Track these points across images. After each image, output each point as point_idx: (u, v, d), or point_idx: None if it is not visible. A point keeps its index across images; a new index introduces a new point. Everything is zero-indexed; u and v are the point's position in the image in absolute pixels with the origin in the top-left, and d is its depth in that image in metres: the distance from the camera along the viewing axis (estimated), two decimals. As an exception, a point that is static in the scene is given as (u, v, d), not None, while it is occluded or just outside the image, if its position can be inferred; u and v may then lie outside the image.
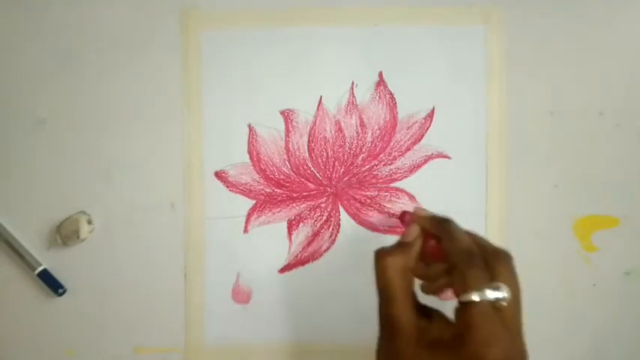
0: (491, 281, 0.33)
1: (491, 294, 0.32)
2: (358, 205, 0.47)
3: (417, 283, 0.38)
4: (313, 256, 0.47)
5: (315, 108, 0.47)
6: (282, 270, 0.47)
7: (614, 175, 0.47)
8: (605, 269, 0.47)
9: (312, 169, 0.47)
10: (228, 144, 0.47)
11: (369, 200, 0.47)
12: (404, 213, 0.40)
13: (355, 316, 0.47)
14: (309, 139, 0.47)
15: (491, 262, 0.34)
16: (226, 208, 0.47)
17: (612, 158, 0.47)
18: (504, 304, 0.32)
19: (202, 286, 0.47)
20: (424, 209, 0.40)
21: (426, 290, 0.39)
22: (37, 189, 0.47)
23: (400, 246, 0.37)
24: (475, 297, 0.32)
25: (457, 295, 0.33)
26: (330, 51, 0.47)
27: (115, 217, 0.47)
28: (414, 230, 0.38)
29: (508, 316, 0.33)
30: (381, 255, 0.36)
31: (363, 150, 0.47)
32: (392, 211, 0.47)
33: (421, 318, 0.34)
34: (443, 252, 0.36)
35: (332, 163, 0.47)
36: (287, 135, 0.47)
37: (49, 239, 0.47)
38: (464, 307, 0.32)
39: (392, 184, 0.47)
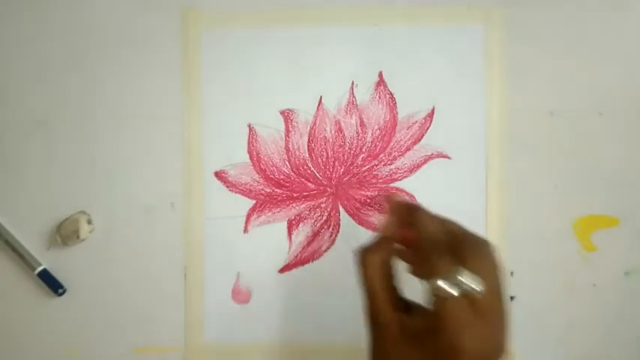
0: (456, 269, 0.32)
1: (454, 282, 0.31)
2: (358, 205, 0.47)
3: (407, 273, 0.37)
4: (313, 256, 0.47)
5: (315, 108, 0.47)
6: (282, 270, 0.47)
7: (614, 175, 0.47)
8: (605, 269, 0.47)
9: (312, 169, 0.47)
10: (228, 144, 0.47)
11: (369, 200, 0.47)
12: (385, 198, 0.39)
13: (355, 316, 0.47)
14: (309, 139, 0.47)
15: (463, 250, 0.33)
16: (226, 208, 0.47)
17: (612, 158, 0.47)
18: (476, 293, 0.31)
19: (202, 286, 0.47)
20: (398, 195, 0.39)
21: (414, 274, 0.37)
22: (37, 189, 0.47)
23: (378, 241, 0.37)
24: (444, 285, 0.31)
25: (423, 278, 0.33)
26: (330, 51, 0.47)
27: (114, 217, 0.47)
28: (389, 223, 0.38)
29: (484, 305, 0.32)
30: (360, 253, 0.36)
31: (363, 150, 0.47)
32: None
33: (402, 313, 0.34)
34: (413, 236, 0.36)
35: (332, 163, 0.47)
36: (287, 135, 0.47)
37: (49, 239, 0.47)
38: (435, 299, 0.32)
39: (392, 184, 0.47)
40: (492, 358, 0.32)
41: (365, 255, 0.36)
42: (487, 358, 0.32)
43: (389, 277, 0.36)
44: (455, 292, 0.31)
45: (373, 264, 0.35)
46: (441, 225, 0.36)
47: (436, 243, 0.34)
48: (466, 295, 0.31)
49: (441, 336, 0.31)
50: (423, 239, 0.35)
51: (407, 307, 0.35)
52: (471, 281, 0.32)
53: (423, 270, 0.33)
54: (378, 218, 0.44)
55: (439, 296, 0.32)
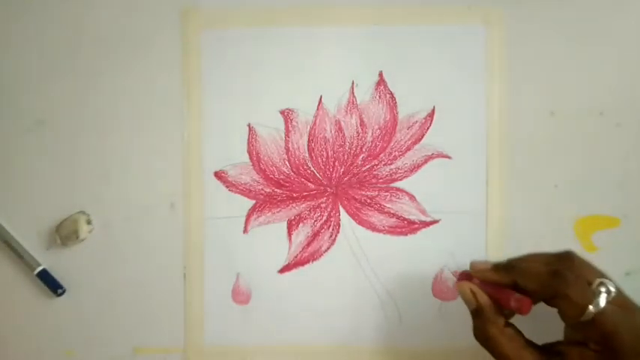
0: (591, 285, 0.33)
1: (601, 296, 0.33)
2: (358, 205, 0.47)
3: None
4: (313, 256, 0.47)
5: (315, 108, 0.47)
6: (282, 270, 0.47)
7: (614, 175, 0.47)
8: (605, 269, 0.47)
9: (312, 169, 0.47)
10: (228, 144, 0.47)
11: (369, 200, 0.47)
12: (462, 274, 0.39)
13: (355, 317, 0.47)
14: (309, 139, 0.47)
15: (571, 268, 0.34)
16: (226, 208, 0.47)
17: (612, 158, 0.47)
18: (614, 294, 0.33)
19: (202, 287, 0.47)
20: (479, 263, 0.38)
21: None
22: (36, 189, 0.47)
23: (479, 313, 0.36)
24: (594, 307, 0.33)
25: (573, 318, 0.33)
26: (330, 51, 0.47)
27: (114, 217, 0.47)
28: (466, 290, 0.37)
29: (623, 302, 0.33)
30: (481, 333, 0.36)
31: (364, 150, 0.47)
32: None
33: (552, 357, 0.35)
34: (521, 296, 0.35)
35: (332, 163, 0.47)
36: (287, 135, 0.47)
37: (49, 239, 0.47)
38: (590, 324, 0.33)
39: (392, 184, 0.47)
40: None
41: (486, 332, 0.35)
42: None
43: (513, 336, 0.35)
44: (603, 304, 0.33)
45: (496, 335, 0.35)
46: (536, 259, 0.36)
47: (558, 275, 0.34)
48: (610, 299, 0.33)
49: (619, 352, 0.32)
50: (543, 284, 0.34)
51: (552, 350, 0.35)
52: (607, 286, 0.33)
53: (570, 309, 0.33)
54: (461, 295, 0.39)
55: (592, 321, 0.33)
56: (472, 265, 0.38)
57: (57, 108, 0.47)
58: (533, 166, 0.47)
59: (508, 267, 0.37)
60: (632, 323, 0.33)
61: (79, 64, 0.47)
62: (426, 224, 0.47)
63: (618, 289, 0.34)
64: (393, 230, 0.47)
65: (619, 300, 0.33)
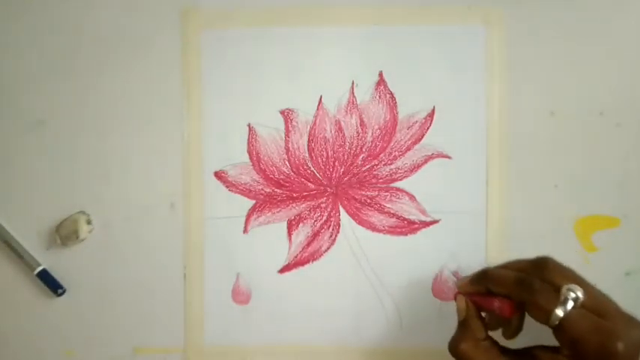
0: (559, 290, 0.34)
1: (568, 302, 0.34)
2: (358, 205, 0.47)
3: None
4: (313, 256, 0.47)
5: (315, 108, 0.47)
6: (282, 270, 0.47)
7: (614, 175, 0.47)
8: (605, 269, 0.47)
9: (312, 169, 0.47)
10: (228, 144, 0.47)
11: (369, 200, 0.47)
12: (455, 295, 0.41)
13: (355, 317, 0.47)
14: (309, 139, 0.47)
15: (542, 274, 0.36)
16: (226, 208, 0.47)
17: (612, 158, 0.47)
18: (582, 299, 0.34)
19: (202, 287, 0.47)
20: (462, 278, 0.42)
21: (508, 336, 0.40)
22: (36, 189, 0.47)
23: (462, 326, 0.39)
24: (560, 312, 0.33)
25: (544, 322, 0.34)
26: (330, 51, 0.47)
27: (114, 217, 0.47)
28: (461, 303, 0.39)
29: (595, 305, 0.34)
30: (453, 346, 0.38)
31: (363, 150, 0.47)
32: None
33: None
34: (502, 300, 0.37)
35: (332, 163, 0.47)
36: (287, 135, 0.47)
37: (48, 239, 0.47)
38: (558, 330, 0.34)
39: (392, 184, 0.47)
40: (636, 338, 0.33)
41: (458, 346, 0.37)
42: (636, 345, 0.33)
43: (489, 349, 0.37)
44: (569, 308, 0.33)
45: (469, 350, 0.37)
46: (511, 267, 0.38)
47: (525, 282, 0.36)
48: (578, 305, 0.33)
49: (587, 356, 0.32)
50: (512, 290, 0.36)
51: (528, 355, 0.36)
52: (575, 292, 0.34)
53: (538, 315, 0.35)
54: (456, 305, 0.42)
55: (559, 326, 0.33)
56: (456, 282, 0.43)
57: (57, 108, 0.47)
58: (533, 166, 0.47)
59: (482, 276, 0.39)
60: (601, 328, 0.33)
61: (79, 64, 0.47)
62: (426, 224, 0.47)
63: (594, 294, 0.35)
64: (393, 230, 0.47)
65: (591, 305, 0.34)
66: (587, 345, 0.32)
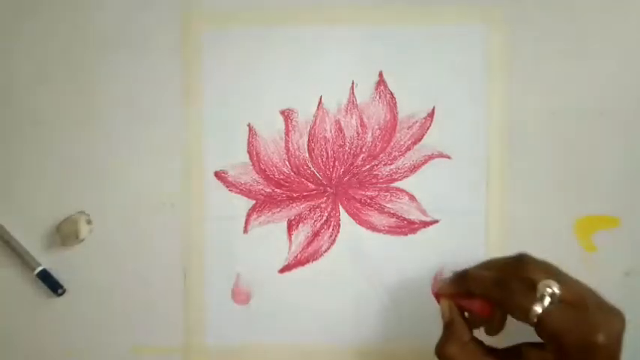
0: (535, 288, 0.34)
1: (545, 298, 0.34)
2: (358, 205, 0.47)
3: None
4: (313, 256, 0.47)
5: (315, 108, 0.47)
6: (282, 270, 0.47)
7: (614, 175, 0.47)
8: (605, 269, 0.47)
9: (312, 169, 0.47)
10: (228, 144, 0.47)
11: (369, 200, 0.47)
12: (435, 295, 0.41)
13: (355, 317, 0.47)
14: (309, 139, 0.47)
15: (519, 272, 0.36)
16: (226, 208, 0.47)
17: (612, 158, 0.47)
18: (559, 294, 0.34)
19: (202, 286, 0.47)
20: (442, 280, 0.42)
21: (490, 333, 0.40)
22: (36, 189, 0.47)
23: (446, 329, 0.39)
24: (538, 308, 0.33)
25: (524, 320, 0.35)
26: (330, 51, 0.47)
27: (114, 217, 0.47)
28: (445, 306, 0.40)
29: (574, 299, 0.34)
30: (440, 350, 0.38)
31: (363, 150, 0.47)
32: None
33: (511, 358, 0.36)
34: (482, 300, 0.38)
35: (332, 163, 0.47)
36: (287, 135, 0.47)
37: (49, 239, 0.47)
38: (538, 326, 0.34)
39: (392, 184, 0.47)
40: (617, 329, 0.33)
41: (444, 349, 0.37)
42: (617, 335, 0.33)
43: (474, 351, 0.37)
44: (547, 303, 0.33)
45: (455, 352, 0.37)
46: (486, 267, 0.39)
47: (502, 282, 0.36)
48: (555, 300, 0.34)
49: (568, 350, 0.33)
50: (490, 291, 0.37)
51: (514, 354, 0.36)
52: (551, 288, 0.34)
53: (514, 313, 0.35)
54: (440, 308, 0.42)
55: (539, 322, 0.33)
56: (436, 284, 0.43)
57: (57, 108, 0.47)
58: (533, 166, 0.47)
59: (461, 276, 0.39)
60: (580, 321, 0.33)
61: (79, 64, 0.47)
62: (426, 224, 0.47)
63: (572, 287, 0.35)
64: (393, 230, 0.47)
65: (570, 298, 0.34)
66: (567, 339, 0.32)
